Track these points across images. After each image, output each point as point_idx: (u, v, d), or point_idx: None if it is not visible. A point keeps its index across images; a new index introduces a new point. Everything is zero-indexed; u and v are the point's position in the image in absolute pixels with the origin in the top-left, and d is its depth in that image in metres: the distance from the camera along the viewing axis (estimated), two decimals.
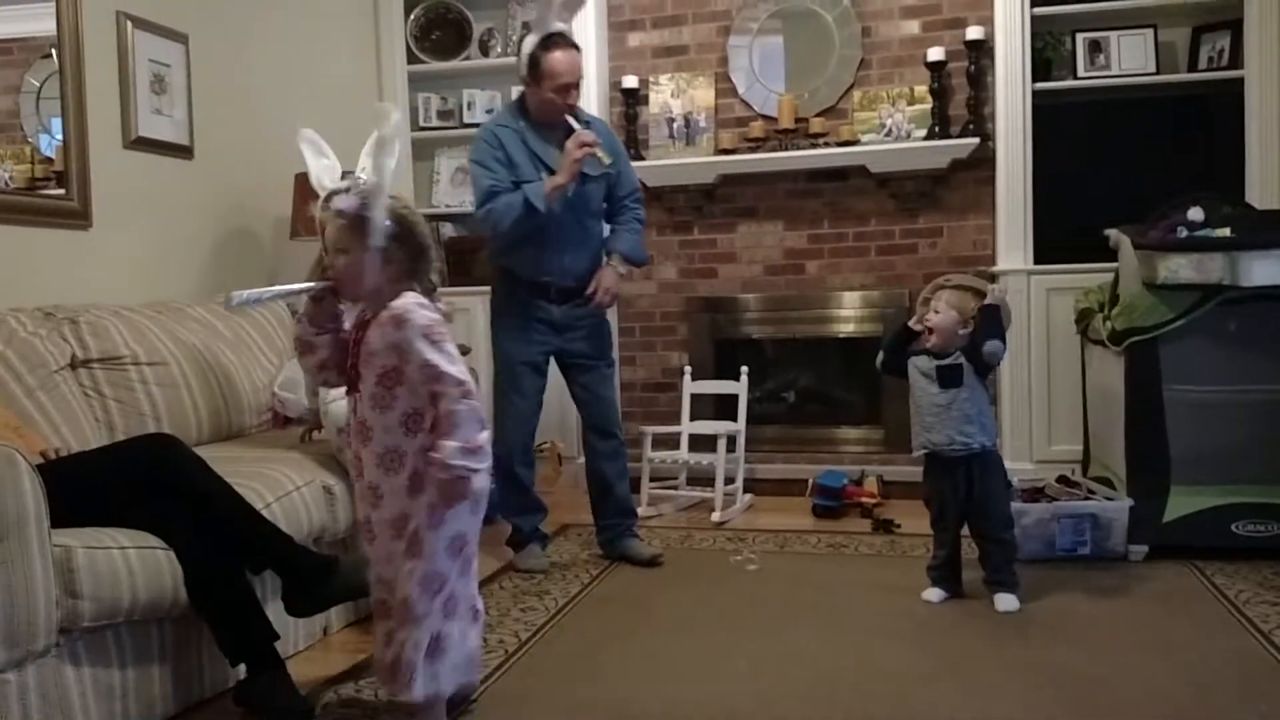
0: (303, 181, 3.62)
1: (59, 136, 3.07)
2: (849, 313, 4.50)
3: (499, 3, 4.83)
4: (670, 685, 2.36)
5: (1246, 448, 3.18)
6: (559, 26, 3.16)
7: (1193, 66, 4.16)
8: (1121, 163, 4.05)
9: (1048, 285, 4.09)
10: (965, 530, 2.93)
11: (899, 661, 2.46)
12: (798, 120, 4.40)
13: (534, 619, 2.84)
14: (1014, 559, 2.89)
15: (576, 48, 3.20)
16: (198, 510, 2.22)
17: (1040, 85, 4.14)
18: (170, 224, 3.50)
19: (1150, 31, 4.12)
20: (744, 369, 4.23)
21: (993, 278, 3.90)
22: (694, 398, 4.36)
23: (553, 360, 3.38)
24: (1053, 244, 4.12)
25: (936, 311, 2.83)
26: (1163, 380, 3.22)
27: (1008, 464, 3.23)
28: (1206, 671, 2.34)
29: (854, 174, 4.42)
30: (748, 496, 4.22)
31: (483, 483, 2.02)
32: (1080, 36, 4.18)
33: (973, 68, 4.21)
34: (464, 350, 2.83)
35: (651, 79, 4.62)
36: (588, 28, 4.41)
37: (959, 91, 4.28)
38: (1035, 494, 3.39)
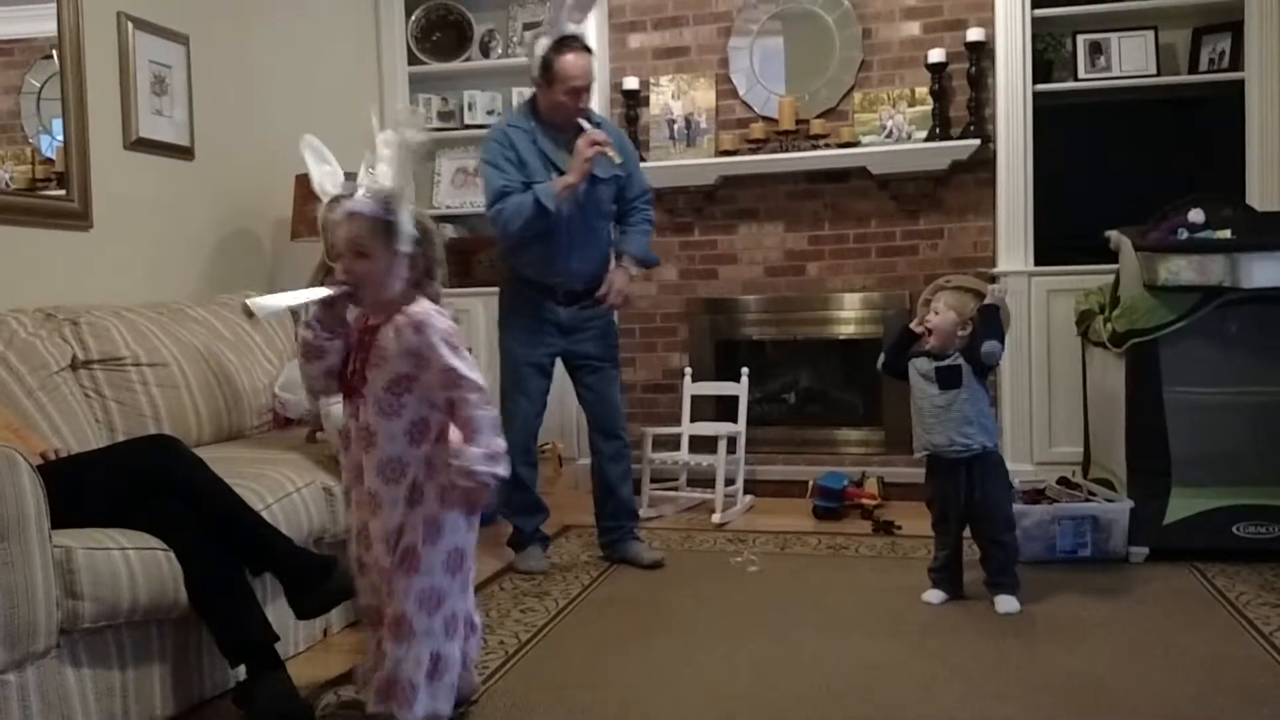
0: (303, 183, 3.62)
1: (59, 137, 3.07)
2: (849, 314, 4.50)
3: (500, 4, 4.83)
4: (670, 686, 2.35)
5: (1247, 449, 3.18)
6: (572, 29, 3.16)
7: (1193, 68, 4.16)
8: (1122, 164, 4.06)
9: (1048, 287, 4.09)
10: (966, 532, 2.93)
11: (899, 663, 2.46)
12: (798, 122, 4.41)
13: (534, 620, 2.84)
14: (1015, 561, 2.89)
15: (589, 51, 3.20)
16: (198, 511, 2.22)
17: (1041, 87, 4.14)
18: (171, 225, 3.50)
19: (1151, 33, 4.13)
20: (744, 370, 4.23)
21: (993, 278, 3.90)
22: (694, 399, 4.36)
23: (558, 361, 3.38)
24: (1053, 245, 4.12)
25: (936, 313, 2.83)
26: (1163, 382, 3.22)
27: (1008, 466, 3.23)
28: (1207, 673, 2.34)
29: (854, 175, 4.42)
30: (748, 498, 4.22)
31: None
32: (1081, 38, 4.18)
33: (973, 69, 4.21)
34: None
35: (652, 80, 4.63)
36: (589, 29, 4.40)
37: (960, 93, 4.28)
38: (1036, 496, 3.38)
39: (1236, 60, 4.02)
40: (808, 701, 2.25)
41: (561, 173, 3.16)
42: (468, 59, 4.82)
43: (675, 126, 4.59)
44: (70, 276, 3.07)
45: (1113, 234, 3.47)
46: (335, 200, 2.02)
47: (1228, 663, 2.40)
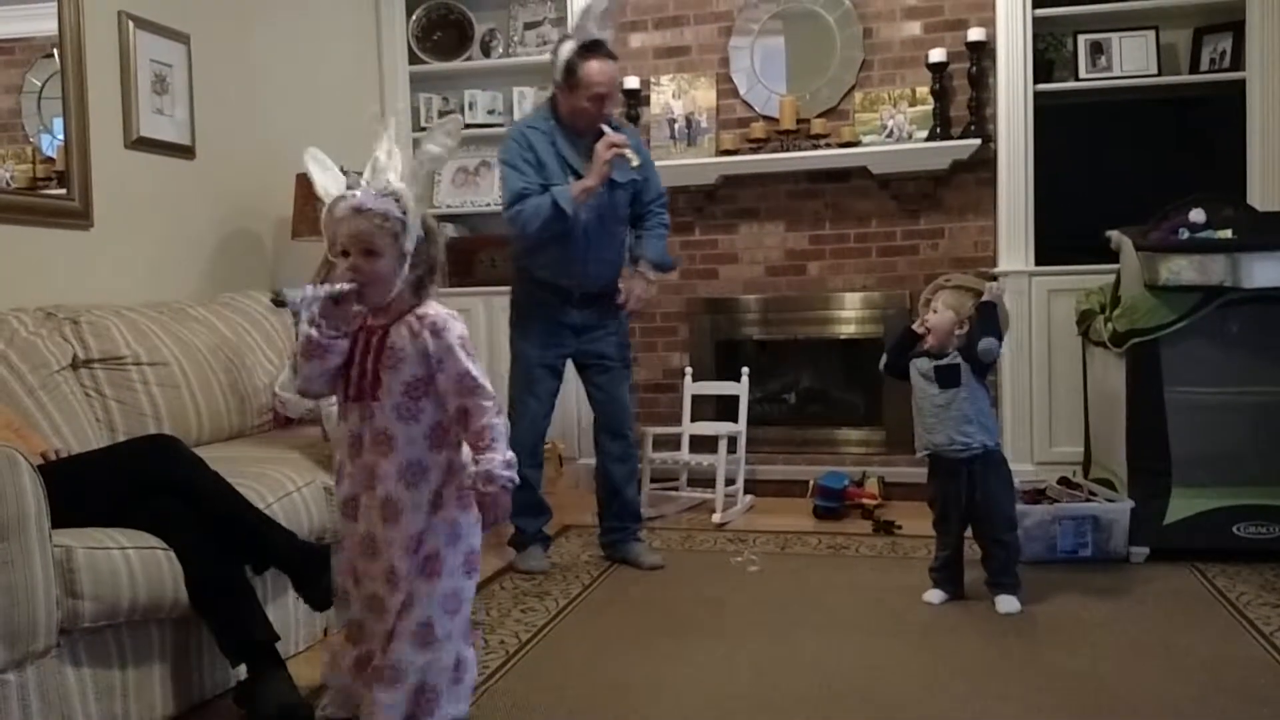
0: (304, 182, 3.62)
1: (60, 136, 3.07)
2: (850, 314, 4.50)
3: (501, 3, 4.83)
4: (670, 687, 2.35)
5: (1248, 449, 3.18)
6: (597, 35, 3.14)
7: (1194, 68, 4.16)
8: (1123, 164, 4.05)
9: (1049, 287, 4.09)
10: (968, 532, 2.93)
11: (900, 663, 2.46)
12: (799, 121, 4.40)
13: (534, 620, 2.84)
14: (1016, 561, 2.89)
15: (614, 58, 3.18)
16: (198, 510, 2.22)
17: (1042, 86, 4.14)
18: (171, 224, 3.50)
19: (1152, 33, 4.12)
20: (745, 370, 4.22)
21: (993, 278, 3.89)
22: (695, 399, 4.36)
23: (568, 362, 3.38)
24: (1054, 245, 4.12)
25: (935, 312, 2.83)
26: (1164, 382, 3.21)
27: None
28: (1207, 674, 2.34)
29: (855, 175, 4.42)
30: (748, 498, 4.21)
31: None
32: (1082, 38, 4.18)
33: (974, 69, 4.20)
34: None
35: (653, 80, 4.62)
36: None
37: (960, 93, 4.28)
38: (1036, 496, 3.38)
39: (1237, 60, 4.02)
40: (808, 701, 2.25)
41: (579, 176, 3.15)
42: (468, 58, 4.82)
43: (676, 126, 4.59)
44: (71, 276, 3.07)
45: (1113, 234, 3.47)
46: (340, 197, 1.97)
47: (1228, 663, 2.40)
